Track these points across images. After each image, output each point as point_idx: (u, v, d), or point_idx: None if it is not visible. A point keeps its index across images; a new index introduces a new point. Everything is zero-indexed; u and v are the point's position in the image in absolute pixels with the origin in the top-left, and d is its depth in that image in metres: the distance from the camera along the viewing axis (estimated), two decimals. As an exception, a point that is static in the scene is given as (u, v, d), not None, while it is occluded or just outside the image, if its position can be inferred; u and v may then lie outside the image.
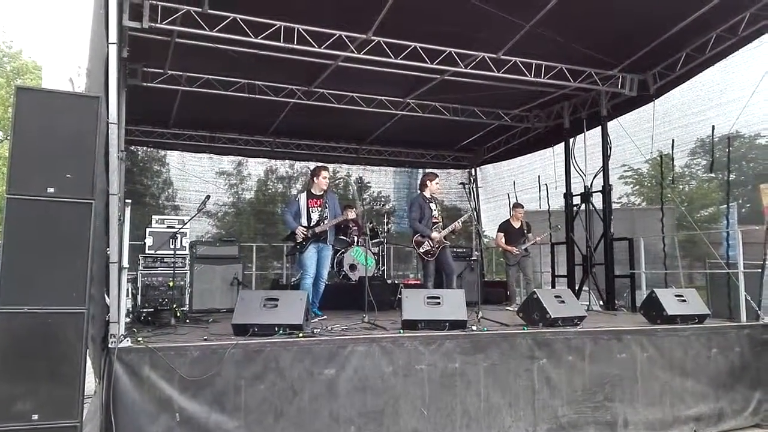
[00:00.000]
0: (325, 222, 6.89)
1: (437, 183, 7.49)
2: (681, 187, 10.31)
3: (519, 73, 7.92)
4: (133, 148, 11.12)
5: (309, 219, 6.92)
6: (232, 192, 12.18)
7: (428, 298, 5.52)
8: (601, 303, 8.98)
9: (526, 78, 7.99)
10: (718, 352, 6.09)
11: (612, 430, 5.52)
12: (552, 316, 5.66)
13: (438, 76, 8.48)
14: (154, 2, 6.15)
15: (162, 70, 8.20)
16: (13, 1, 38.08)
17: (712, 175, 9.45)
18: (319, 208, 6.94)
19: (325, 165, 7.32)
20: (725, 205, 7.97)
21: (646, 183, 13.45)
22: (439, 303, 5.45)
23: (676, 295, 6.42)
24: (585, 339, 5.58)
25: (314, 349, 4.73)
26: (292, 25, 6.76)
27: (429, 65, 7.54)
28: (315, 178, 7.01)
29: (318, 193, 7.00)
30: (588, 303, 8.82)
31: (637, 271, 8.53)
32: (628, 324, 6.25)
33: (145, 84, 8.15)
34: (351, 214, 7.22)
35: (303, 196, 7.04)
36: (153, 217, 7.91)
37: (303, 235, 6.80)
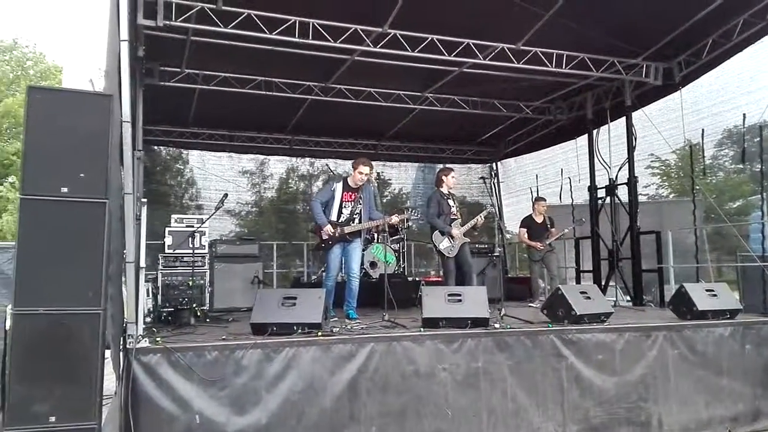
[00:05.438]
0: (355, 221, 6.45)
1: (453, 177, 7.36)
2: (709, 178, 10.02)
3: (540, 63, 7.73)
4: (156, 148, 11.17)
5: (339, 213, 6.45)
6: (255, 191, 12.17)
7: (449, 295, 5.40)
8: (629, 299, 8.77)
9: (547, 68, 7.79)
10: (752, 348, 5.90)
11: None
12: (578, 313, 5.49)
13: (456, 69, 8.33)
14: (168, 0, 6.11)
15: (179, 69, 8.17)
16: (35, 5, 38.76)
17: (741, 166, 9.17)
18: (352, 203, 6.48)
19: (367, 160, 6.62)
20: (756, 197, 7.71)
21: (673, 174, 13.12)
22: (460, 300, 5.33)
23: (707, 290, 6.23)
24: (614, 336, 5.42)
25: (333, 348, 4.65)
26: (307, 19, 6.66)
27: (447, 57, 7.38)
28: (354, 170, 6.47)
29: (354, 186, 6.51)
30: (615, 299, 8.63)
31: (665, 265, 8.30)
32: (656, 320, 6.07)
33: (162, 83, 8.13)
34: (395, 219, 6.67)
35: (339, 186, 6.52)
36: (172, 216, 7.91)
37: (329, 235, 6.34)
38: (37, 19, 41.22)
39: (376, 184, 6.83)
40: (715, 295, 6.15)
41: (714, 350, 5.74)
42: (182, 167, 11.63)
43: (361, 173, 6.43)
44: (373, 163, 12.32)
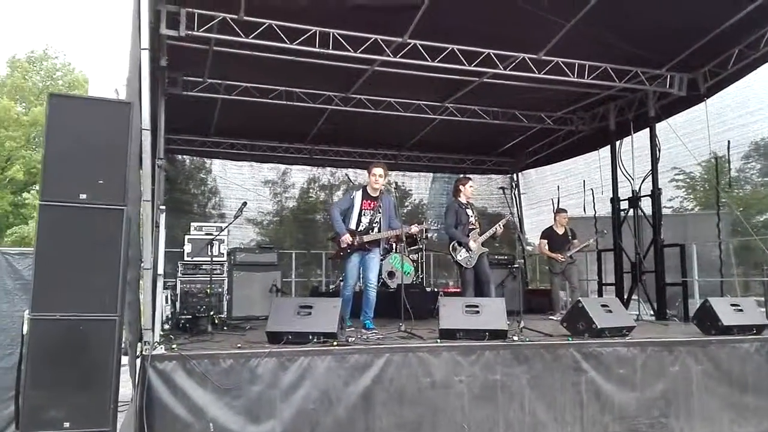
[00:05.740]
0: (374, 230, 6.36)
1: (471, 187, 7.27)
2: (736, 191, 9.83)
3: (561, 73, 7.66)
4: (179, 157, 11.28)
5: (359, 222, 6.34)
6: (276, 200, 12.22)
7: (467, 306, 5.32)
8: (652, 313, 8.60)
9: (568, 79, 7.73)
10: (779, 365, 5.71)
11: (667, 449, 5.22)
12: (598, 327, 5.38)
13: (476, 79, 8.29)
14: (191, 10, 6.18)
15: (201, 79, 8.25)
16: (65, 16, 39.74)
17: (768, 179, 9.00)
18: (371, 212, 6.37)
19: (382, 163, 6.54)
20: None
21: (698, 187, 12.91)
22: (478, 312, 5.25)
23: (732, 305, 6.07)
24: (635, 351, 5.29)
25: (349, 358, 4.60)
26: (327, 30, 6.70)
27: (467, 67, 7.36)
28: (368, 175, 6.40)
29: (373, 195, 6.39)
30: (637, 313, 8.46)
31: (690, 279, 8.12)
32: (680, 335, 5.94)
33: (185, 93, 8.21)
34: (414, 229, 6.69)
35: (359, 195, 6.41)
36: (191, 224, 7.96)
37: (347, 243, 6.26)
38: (65, 31, 42.26)
39: (396, 195, 6.76)
40: (740, 310, 5.99)
41: (739, 366, 5.58)
42: (205, 176, 11.72)
43: (374, 175, 6.33)
44: (393, 173, 12.47)
